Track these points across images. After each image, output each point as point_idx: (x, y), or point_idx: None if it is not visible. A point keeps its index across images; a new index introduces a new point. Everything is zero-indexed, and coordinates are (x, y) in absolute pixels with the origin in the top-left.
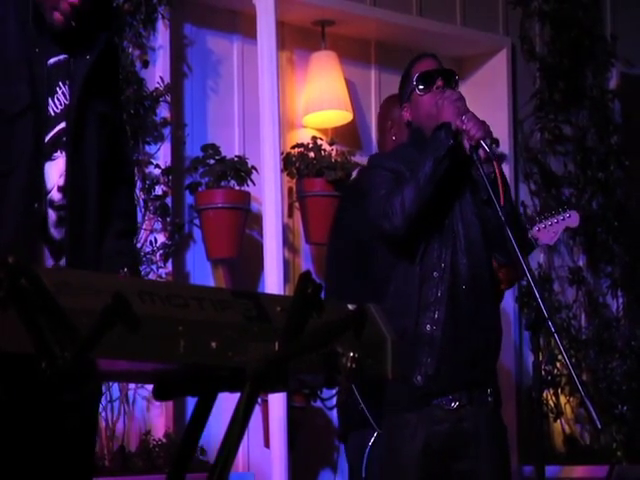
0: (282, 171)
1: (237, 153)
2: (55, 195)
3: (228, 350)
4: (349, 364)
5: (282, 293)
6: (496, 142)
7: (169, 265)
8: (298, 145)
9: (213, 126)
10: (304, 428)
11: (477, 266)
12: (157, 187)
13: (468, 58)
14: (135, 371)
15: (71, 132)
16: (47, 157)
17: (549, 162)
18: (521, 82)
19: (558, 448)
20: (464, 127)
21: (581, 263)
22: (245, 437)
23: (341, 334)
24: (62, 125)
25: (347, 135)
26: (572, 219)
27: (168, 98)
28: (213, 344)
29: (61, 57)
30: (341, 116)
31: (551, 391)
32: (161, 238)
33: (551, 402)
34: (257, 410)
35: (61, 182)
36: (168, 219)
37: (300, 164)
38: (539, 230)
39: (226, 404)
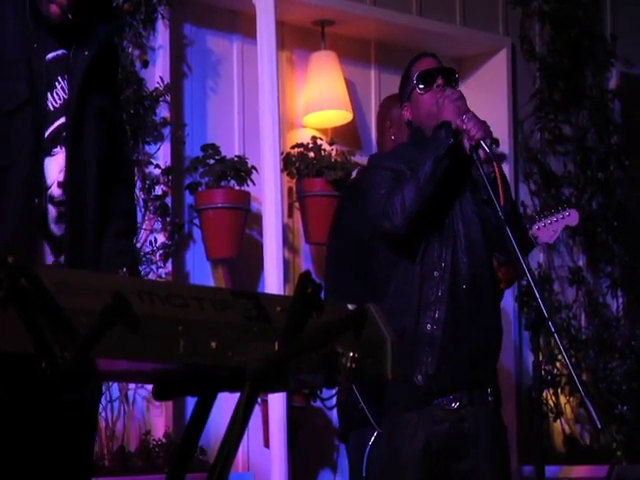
0: (282, 171)
1: (237, 153)
2: (55, 191)
3: (228, 350)
4: (349, 364)
5: (282, 293)
6: (496, 142)
7: (169, 265)
8: (298, 145)
9: (213, 126)
10: (304, 428)
11: (477, 265)
12: (157, 187)
13: (468, 58)
14: (135, 371)
15: (71, 127)
16: (47, 152)
17: (549, 162)
18: (521, 82)
19: (558, 448)
20: (464, 127)
21: (581, 263)
22: (245, 437)
23: (341, 334)
24: (62, 120)
25: (347, 135)
26: (571, 217)
27: (168, 98)
28: (213, 344)
29: (59, 52)
30: (341, 116)
31: (551, 391)
32: (161, 238)
33: (551, 402)
34: (257, 410)
35: (61, 178)
36: (168, 219)
37: (300, 164)
38: (538, 229)
39: (226, 404)
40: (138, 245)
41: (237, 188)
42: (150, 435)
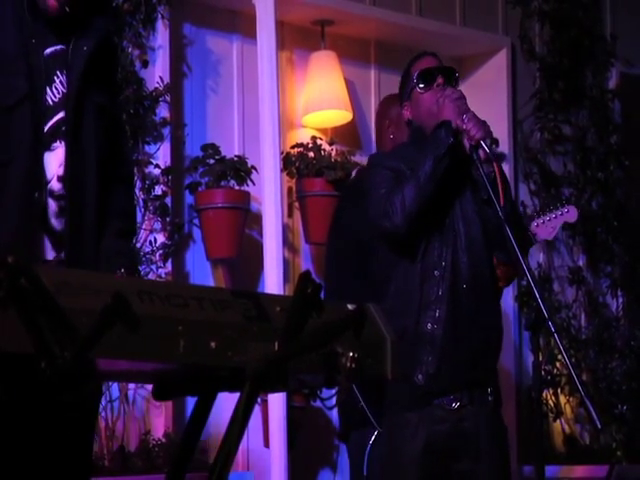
0: (282, 171)
1: (237, 153)
2: (55, 185)
3: (228, 350)
4: (349, 364)
5: (282, 293)
6: (495, 142)
7: (169, 265)
8: (298, 145)
9: (213, 126)
10: (304, 428)
11: (478, 265)
12: (157, 187)
13: (468, 58)
14: (135, 371)
15: (70, 121)
16: (46, 147)
17: (549, 162)
18: (521, 82)
19: (558, 448)
20: (464, 127)
21: (581, 263)
22: (245, 437)
23: (341, 334)
24: (61, 115)
25: (347, 135)
26: (570, 214)
27: (168, 98)
28: (213, 344)
29: (58, 47)
30: (341, 116)
31: (551, 391)
32: (161, 238)
33: (551, 402)
34: (257, 410)
35: (61, 172)
36: (168, 219)
37: (300, 164)
38: (537, 225)
39: (226, 404)
40: (138, 245)
41: (237, 188)
42: (150, 435)
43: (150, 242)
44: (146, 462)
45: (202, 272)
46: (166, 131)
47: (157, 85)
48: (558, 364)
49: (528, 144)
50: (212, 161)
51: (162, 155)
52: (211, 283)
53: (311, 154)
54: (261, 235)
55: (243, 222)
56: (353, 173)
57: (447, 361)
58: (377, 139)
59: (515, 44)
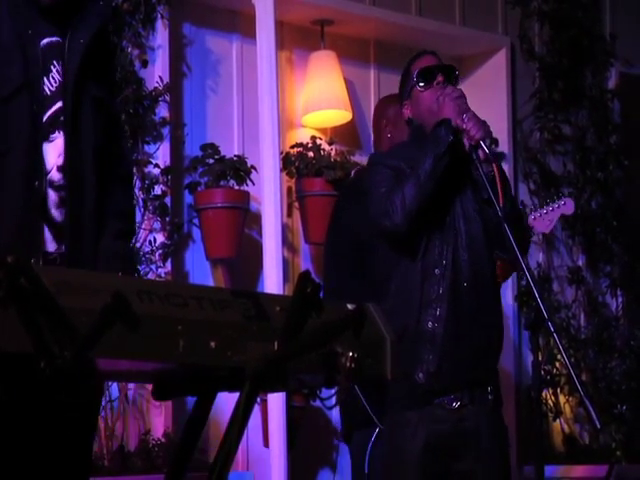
0: (281, 171)
1: (236, 153)
2: (55, 175)
3: (227, 350)
4: (348, 364)
5: (281, 293)
6: (495, 142)
7: (168, 265)
8: (297, 145)
9: (212, 126)
10: (303, 428)
11: (478, 263)
12: (156, 187)
13: (467, 58)
14: (134, 371)
15: (68, 110)
16: (45, 137)
17: (548, 162)
18: (520, 82)
19: (557, 448)
20: (464, 126)
21: (580, 263)
22: (244, 436)
23: (340, 334)
24: (59, 104)
25: (346, 135)
26: (567, 206)
27: (167, 98)
28: (212, 344)
29: (54, 39)
30: (340, 116)
31: (550, 391)
32: (160, 238)
33: (550, 402)
34: (256, 409)
35: (60, 162)
36: (167, 219)
37: (299, 164)
38: (534, 219)
39: (226, 404)
40: (137, 245)
41: (236, 188)
42: (150, 435)
43: (149, 242)
44: (146, 462)
45: (201, 272)
46: (166, 131)
47: (157, 85)
48: (558, 364)
49: (528, 144)
50: (212, 161)
51: (162, 155)
52: (210, 283)
53: (311, 154)
54: (261, 235)
55: (242, 222)
56: (352, 173)
57: (448, 360)
58: (375, 139)
59: (515, 44)
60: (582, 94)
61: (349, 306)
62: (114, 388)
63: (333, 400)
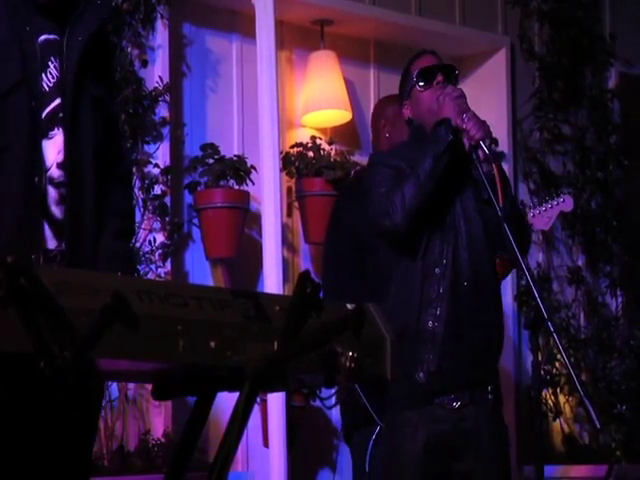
0: (281, 170)
1: (236, 152)
2: (54, 172)
3: (227, 349)
4: (348, 364)
5: (281, 293)
6: (495, 142)
7: (168, 265)
8: (297, 144)
9: (212, 125)
10: (303, 427)
11: (479, 262)
12: (156, 186)
13: (467, 57)
14: (134, 371)
15: (67, 106)
16: (44, 134)
17: (548, 161)
18: (520, 81)
19: (557, 448)
20: (464, 126)
21: (580, 263)
22: (244, 436)
23: (340, 334)
24: (57, 101)
25: (346, 134)
26: (566, 203)
27: (167, 98)
28: (212, 343)
29: (51, 36)
30: (340, 115)
31: (550, 390)
32: (160, 238)
33: (550, 402)
34: (256, 409)
35: (60, 159)
36: (167, 219)
37: (299, 163)
38: (533, 216)
39: (226, 404)
40: (137, 245)
41: (236, 188)
42: (149, 435)
43: (149, 242)
44: (145, 462)
45: (201, 272)
46: (165, 131)
47: (156, 85)
48: (557, 364)
49: (527, 144)
50: (211, 161)
51: (161, 155)
52: (210, 283)
53: (310, 154)
54: (260, 235)
55: (242, 222)
56: (352, 173)
57: (448, 359)
58: (373, 139)
59: (514, 44)
60: (582, 94)
61: (349, 306)
62: (114, 388)
63: (333, 400)
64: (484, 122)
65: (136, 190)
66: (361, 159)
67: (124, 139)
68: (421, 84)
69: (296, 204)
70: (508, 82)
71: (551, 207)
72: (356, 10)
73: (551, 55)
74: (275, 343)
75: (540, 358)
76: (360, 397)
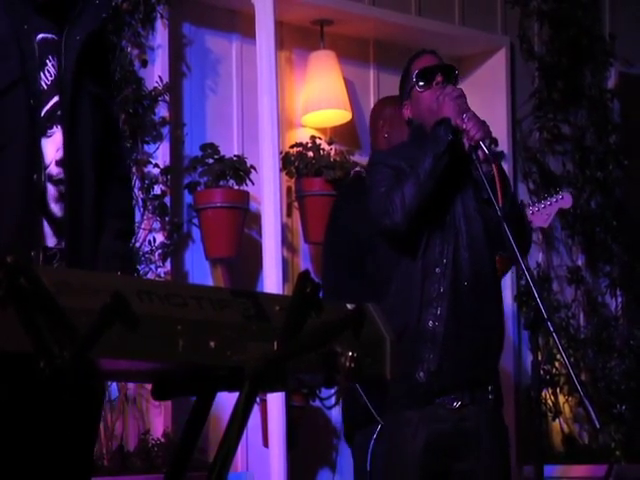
0: (281, 170)
1: (236, 152)
2: (53, 169)
3: (227, 349)
4: (348, 363)
5: (281, 292)
6: (494, 142)
7: (168, 264)
8: (297, 144)
9: (212, 125)
10: (303, 427)
11: (479, 262)
12: (156, 186)
13: (467, 57)
14: (134, 370)
15: (66, 104)
16: (43, 132)
17: (548, 161)
18: (520, 81)
19: (557, 447)
20: (464, 126)
21: (580, 262)
22: (244, 436)
23: (340, 333)
24: (56, 99)
25: (346, 134)
26: (565, 200)
27: (167, 97)
28: (212, 343)
29: (49, 35)
30: (340, 115)
31: (550, 390)
32: (160, 237)
33: (550, 401)
34: (256, 409)
35: (59, 156)
36: (167, 218)
37: (299, 163)
38: (532, 213)
39: (226, 404)
40: (137, 245)
41: (236, 188)
42: (149, 435)
43: (149, 242)
44: (145, 462)
45: (201, 272)
46: (165, 131)
47: (156, 85)
48: (557, 364)
49: (527, 143)
50: (211, 161)
51: (161, 155)
52: (210, 283)
53: (310, 154)
54: (260, 235)
55: (242, 222)
56: (352, 173)
57: (448, 359)
58: (372, 139)
59: (514, 44)
60: (581, 94)
61: (348, 306)
62: (114, 388)
63: (333, 400)
64: (484, 122)
65: (136, 190)
66: (361, 159)
67: (124, 139)
68: (421, 84)
69: (296, 204)
70: (508, 82)
71: (550, 204)
72: (356, 10)
73: (551, 55)
74: (275, 343)
75: (540, 358)
76: (360, 396)
